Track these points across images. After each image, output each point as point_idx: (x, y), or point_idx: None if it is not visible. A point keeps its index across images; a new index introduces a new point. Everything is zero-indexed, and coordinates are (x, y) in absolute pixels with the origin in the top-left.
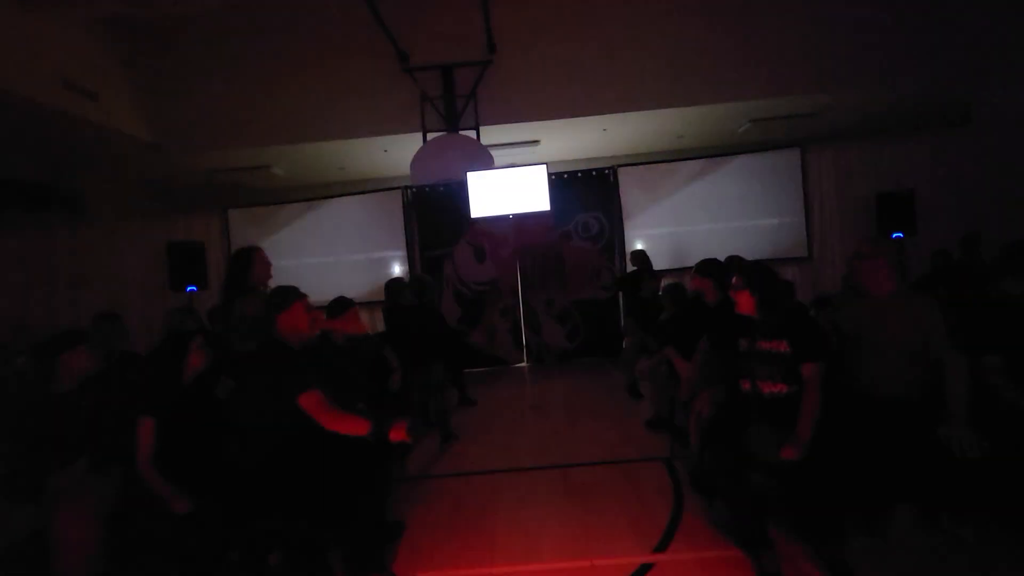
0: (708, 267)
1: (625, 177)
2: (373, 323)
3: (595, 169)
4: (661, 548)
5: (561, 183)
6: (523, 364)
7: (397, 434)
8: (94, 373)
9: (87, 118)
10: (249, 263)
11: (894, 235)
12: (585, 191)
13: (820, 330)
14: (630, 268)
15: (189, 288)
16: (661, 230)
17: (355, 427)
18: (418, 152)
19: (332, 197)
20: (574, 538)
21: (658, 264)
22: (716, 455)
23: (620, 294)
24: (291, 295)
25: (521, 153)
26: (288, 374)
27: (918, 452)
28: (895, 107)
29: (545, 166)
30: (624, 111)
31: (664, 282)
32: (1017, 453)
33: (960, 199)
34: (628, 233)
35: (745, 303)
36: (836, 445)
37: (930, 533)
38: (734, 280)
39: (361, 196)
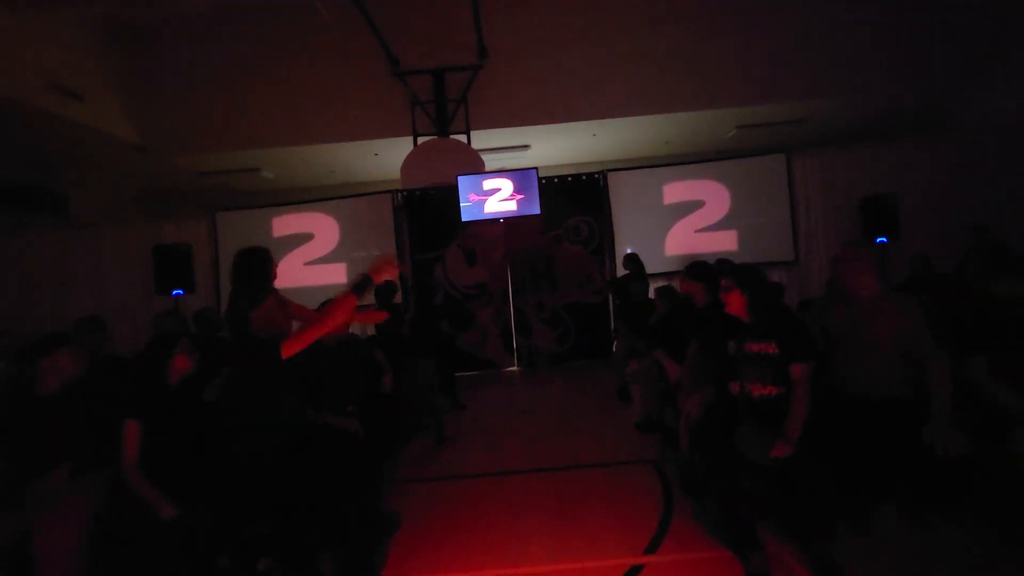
0: (698, 270)
1: (614, 181)
2: (365, 326)
3: (585, 173)
4: (651, 550)
5: (551, 187)
6: (514, 368)
7: (378, 275)
8: (77, 377)
9: (74, 119)
10: (266, 260)
11: (878, 239)
12: (575, 195)
13: (808, 331)
14: (621, 271)
15: (175, 292)
16: (650, 234)
17: (342, 307)
18: (408, 156)
19: (322, 200)
20: (564, 540)
21: (646, 268)
22: (706, 456)
23: (610, 297)
24: (262, 291)
25: (512, 157)
26: (262, 350)
27: (904, 452)
28: (879, 113)
29: (536, 170)
30: (614, 117)
31: (653, 285)
32: (1003, 452)
33: (943, 203)
34: (617, 237)
35: (735, 303)
36: (824, 445)
37: (917, 532)
38: (723, 281)
39: (351, 200)
